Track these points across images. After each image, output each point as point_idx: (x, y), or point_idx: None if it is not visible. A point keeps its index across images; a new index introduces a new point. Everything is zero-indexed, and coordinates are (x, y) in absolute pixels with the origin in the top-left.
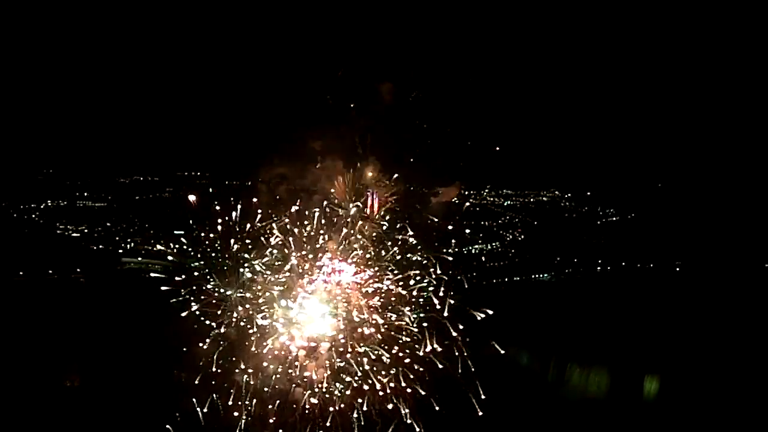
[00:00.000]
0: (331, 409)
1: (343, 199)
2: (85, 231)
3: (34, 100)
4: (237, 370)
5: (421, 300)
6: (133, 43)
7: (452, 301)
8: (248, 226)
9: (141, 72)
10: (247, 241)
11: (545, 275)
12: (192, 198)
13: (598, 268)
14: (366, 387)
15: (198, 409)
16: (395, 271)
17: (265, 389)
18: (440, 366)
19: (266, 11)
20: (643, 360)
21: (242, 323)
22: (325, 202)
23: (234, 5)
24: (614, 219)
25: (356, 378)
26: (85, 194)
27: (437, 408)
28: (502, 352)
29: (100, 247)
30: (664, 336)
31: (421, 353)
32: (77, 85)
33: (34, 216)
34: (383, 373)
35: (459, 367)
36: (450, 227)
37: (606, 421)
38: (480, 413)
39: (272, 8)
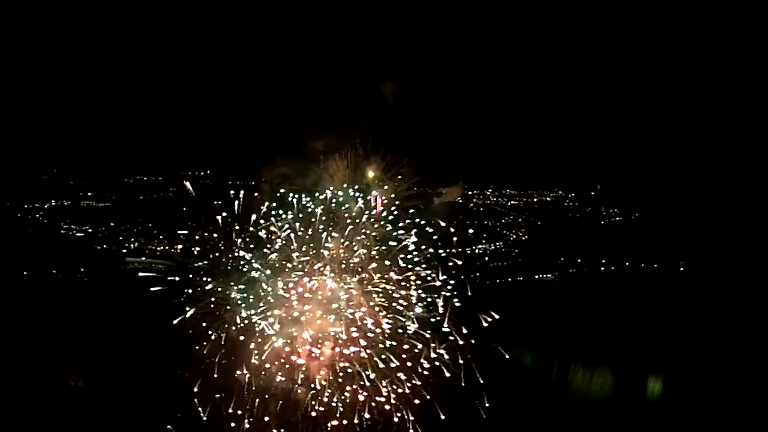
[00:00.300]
0: (335, 422)
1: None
2: (89, 231)
3: (38, 101)
4: (238, 373)
5: (424, 303)
6: (136, 45)
7: (457, 303)
8: (251, 226)
9: (144, 73)
10: (248, 239)
11: (549, 275)
12: (188, 185)
13: (602, 268)
14: (365, 394)
15: (200, 409)
16: (398, 272)
17: (266, 395)
18: (446, 372)
19: (268, 13)
20: (647, 360)
21: (245, 323)
22: (328, 192)
23: (238, 7)
24: (618, 219)
25: (360, 383)
26: (89, 194)
27: (442, 416)
28: (507, 356)
29: (104, 247)
30: (668, 336)
31: (423, 360)
32: (80, 86)
33: (37, 216)
34: (386, 375)
35: (462, 370)
36: (453, 228)
37: (609, 422)
38: (484, 416)
39: (274, 10)
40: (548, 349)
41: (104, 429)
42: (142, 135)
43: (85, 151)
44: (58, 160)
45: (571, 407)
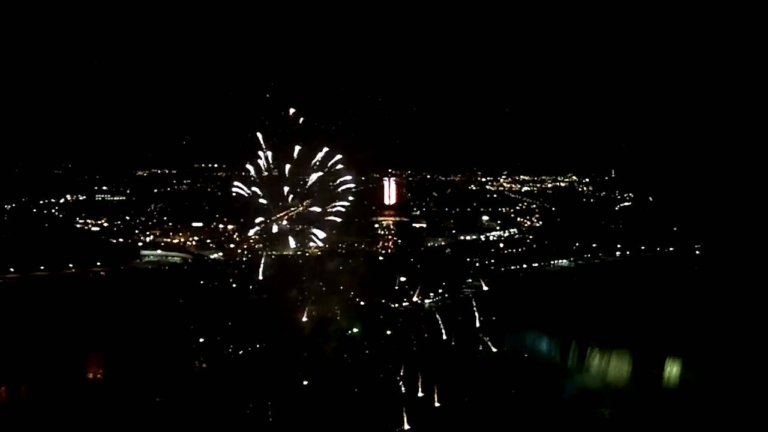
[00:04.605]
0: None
1: None
2: (105, 224)
3: (53, 97)
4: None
5: (440, 290)
6: (150, 43)
7: (469, 291)
8: (266, 217)
9: (158, 69)
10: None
11: (564, 261)
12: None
13: (617, 252)
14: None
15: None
16: (411, 258)
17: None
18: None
19: (277, 15)
20: (664, 343)
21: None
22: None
23: (247, 8)
24: (632, 203)
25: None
26: (104, 188)
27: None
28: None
29: (120, 240)
30: (685, 319)
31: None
32: (95, 81)
33: (53, 210)
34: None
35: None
36: (467, 215)
37: (627, 404)
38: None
39: (284, 12)
40: (565, 335)
41: (123, 422)
42: (155, 129)
43: (99, 146)
44: (72, 155)
45: (588, 392)
